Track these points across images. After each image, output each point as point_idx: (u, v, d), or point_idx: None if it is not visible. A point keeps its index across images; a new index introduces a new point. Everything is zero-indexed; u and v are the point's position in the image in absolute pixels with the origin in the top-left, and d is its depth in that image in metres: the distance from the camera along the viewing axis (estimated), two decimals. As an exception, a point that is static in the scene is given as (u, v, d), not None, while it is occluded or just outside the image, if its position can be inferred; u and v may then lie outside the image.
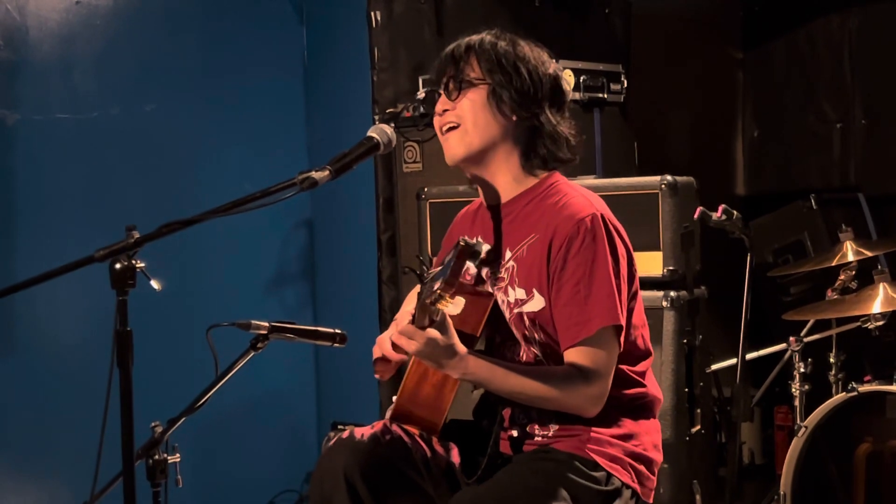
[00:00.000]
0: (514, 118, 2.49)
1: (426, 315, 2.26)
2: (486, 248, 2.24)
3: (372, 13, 4.63)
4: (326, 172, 2.31)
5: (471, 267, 2.38)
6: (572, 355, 2.39)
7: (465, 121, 2.50)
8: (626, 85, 4.55)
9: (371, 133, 2.43)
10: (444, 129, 2.54)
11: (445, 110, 2.53)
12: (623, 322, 2.40)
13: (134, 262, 2.20)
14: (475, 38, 2.54)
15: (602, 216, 2.42)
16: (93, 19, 4.27)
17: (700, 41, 5.85)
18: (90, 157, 4.24)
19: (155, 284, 2.30)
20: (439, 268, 2.25)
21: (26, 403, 4.07)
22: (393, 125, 4.32)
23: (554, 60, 2.59)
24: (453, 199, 4.03)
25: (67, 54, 4.22)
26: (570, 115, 2.59)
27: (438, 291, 2.14)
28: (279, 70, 4.89)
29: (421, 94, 4.36)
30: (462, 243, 2.16)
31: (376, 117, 4.57)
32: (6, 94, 4.06)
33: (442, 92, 2.54)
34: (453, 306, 2.20)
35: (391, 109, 4.53)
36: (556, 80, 2.54)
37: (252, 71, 4.74)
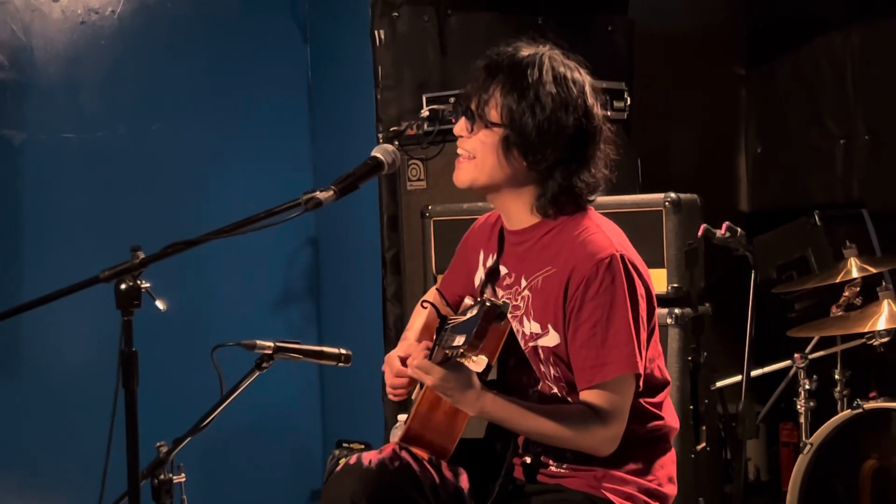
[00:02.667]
0: (525, 165, 2.41)
1: (443, 354, 2.25)
2: (510, 306, 2.20)
3: (376, 31, 4.64)
4: (331, 193, 2.31)
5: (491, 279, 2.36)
6: (587, 396, 2.36)
7: (476, 156, 2.44)
8: (629, 102, 4.55)
9: (375, 153, 2.42)
10: (459, 152, 2.49)
11: (461, 136, 2.47)
12: (640, 370, 2.36)
13: (139, 282, 2.21)
14: (510, 59, 2.41)
15: (622, 256, 2.36)
16: (98, 39, 4.29)
17: (703, 58, 5.85)
18: (96, 176, 4.26)
19: (160, 305, 2.29)
20: (463, 318, 2.22)
21: (32, 423, 4.08)
22: (397, 143, 4.38)
23: (593, 94, 2.43)
24: (458, 217, 4.03)
25: (73, 74, 4.24)
26: (603, 148, 2.45)
27: (461, 350, 2.13)
28: (283, 89, 4.90)
29: (425, 112, 4.37)
30: (489, 304, 2.14)
31: (380, 135, 4.58)
32: (12, 115, 4.08)
33: (462, 112, 2.47)
34: (475, 364, 2.19)
35: (395, 127, 4.54)
36: (582, 130, 2.39)
37: (256, 90, 4.76)
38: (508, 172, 2.42)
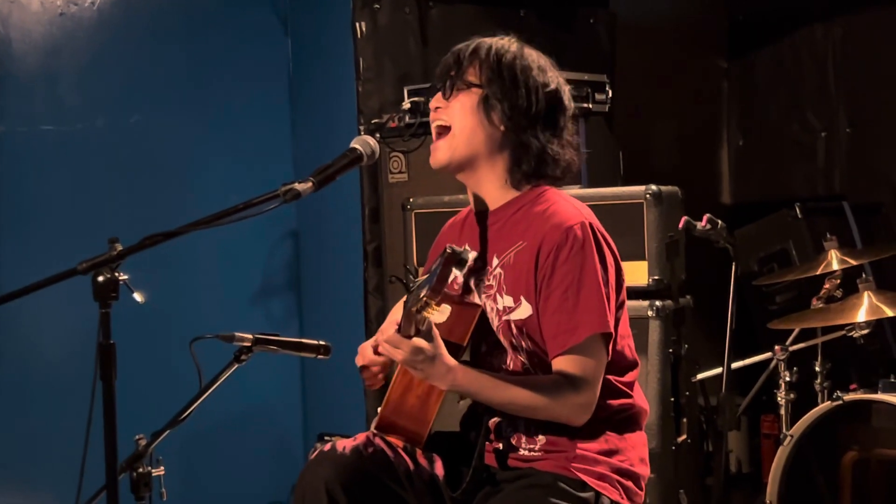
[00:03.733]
0: (503, 129, 2.47)
1: (412, 324, 2.25)
2: (472, 255, 2.24)
3: (357, 24, 4.63)
4: (309, 184, 2.32)
5: (458, 276, 2.38)
6: (560, 363, 2.38)
7: (454, 124, 2.49)
8: (610, 95, 4.54)
9: (354, 144, 2.43)
10: (435, 128, 2.53)
11: (438, 108, 2.52)
12: (612, 330, 2.40)
13: (117, 274, 2.20)
14: (486, 41, 2.52)
15: (590, 224, 2.42)
16: (77, 31, 4.27)
17: (685, 51, 5.86)
18: (75, 169, 4.24)
19: (138, 297, 2.29)
20: (426, 276, 2.25)
21: (9, 416, 4.06)
22: (378, 136, 4.37)
23: (563, 81, 2.55)
24: (439, 210, 4.03)
25: (52, 66, 4.21)
26: (569, 136, 2.55)
27: (424, 299, 2.14)
28: (264, 81, 4.89)
29: (406, 105, 4.36)
30: (449, 251, 2.16)
31: (362, 128, 4.57)
32: (-10, 107, 4.06)
33: (439, 88, 2.53)
34: (439, 314, 2.20)
35: (376, 120, 4.53)
36: (555, 100, 2.50)
37: (237, 82, 4.74)
38: (486, 134, 2.48)
